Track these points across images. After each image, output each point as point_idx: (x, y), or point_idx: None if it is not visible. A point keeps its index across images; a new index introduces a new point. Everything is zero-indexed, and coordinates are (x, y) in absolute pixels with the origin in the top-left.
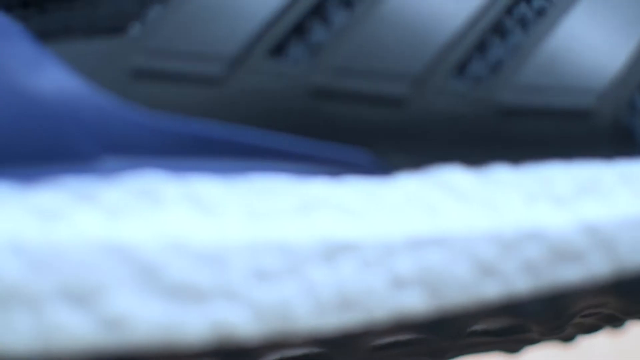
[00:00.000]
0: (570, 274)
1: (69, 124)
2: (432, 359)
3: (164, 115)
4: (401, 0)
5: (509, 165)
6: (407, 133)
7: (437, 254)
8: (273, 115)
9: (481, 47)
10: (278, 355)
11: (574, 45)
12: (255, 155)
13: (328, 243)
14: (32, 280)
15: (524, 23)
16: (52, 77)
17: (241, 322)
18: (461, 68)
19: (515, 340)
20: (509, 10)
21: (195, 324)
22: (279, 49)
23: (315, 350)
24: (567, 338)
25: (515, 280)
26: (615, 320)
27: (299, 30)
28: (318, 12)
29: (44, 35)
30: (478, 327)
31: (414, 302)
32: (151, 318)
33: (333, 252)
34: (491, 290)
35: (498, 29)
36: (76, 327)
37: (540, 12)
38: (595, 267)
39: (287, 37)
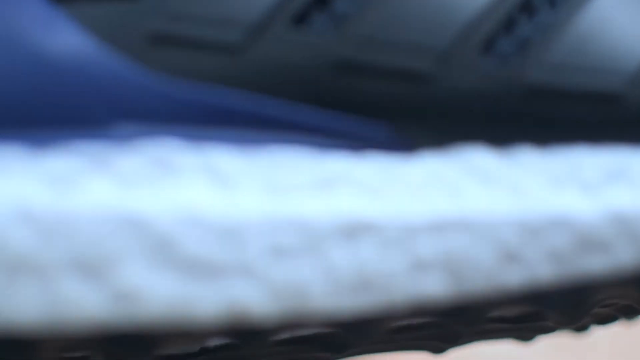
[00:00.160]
0: (595, 264)
1: (82, 87)
2: (445, 344)
3: (181, 82)
4: None
5: (535, 147)
6: (430, 109)
7: (460, 237)
8: (294, 86)
9: (509, 24)
10: (291, 334)
11: (604, 25)
12: (274, 127)
13: (348, 221)
14: (41, 249)
15: (552, 1)
16: (66, 38)
17: (256, 300)
18: (488, 45)
19: (530, 328)
20: None
21: (208, 301)
22: (302, 18)
23: (329, 331)
24: (582, 328)
25: (539, 268)
26: (631, 312)
27: (322, 0)
28: None
29: None
30: (495, 313)
31: (434, 287)
32: (163, 293)
33: (353, 231)
34: (513, 277)
35: (526, 6)
36: (86, 300)
37: None
38: (620, 257)
39: (310, 5)
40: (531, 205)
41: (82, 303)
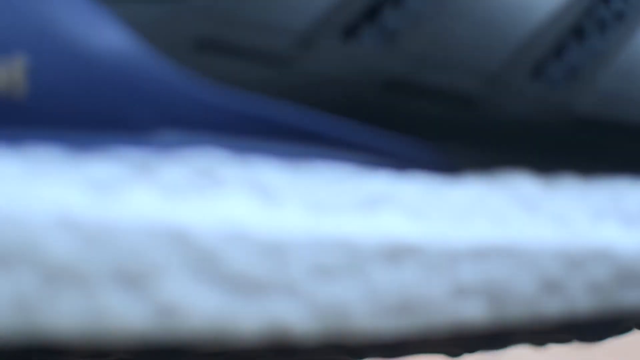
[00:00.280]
0: (633, 298)
1: (127, 89)
2: (463, 351)
3: (228, 90)
4: None
5: (578, 176)
6: (476, 132)
7: (502, 264)
8: (340, 100)
9: (559, 49)
10: (328, 357)
11: None
12: (319, 142)
13: (392, 243)
14: (82, 258)
15: (602, 26)
16: (110, 38)
17: (297, 319)
18: (537, 70)
19: (550, 340)
20: (588, 12)
21: (250, 318)
22: (351, 31)
23: (366, 353)
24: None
25: (578, 299)
26: None
27: (372, 14)
28: None
29: None
30: (530, 339)
31: (474, 312)
32: (205, 308)
33: (396, 253)
34: (553, 307)
35: (577, 31)
36: (126, 311)
37: (620, 16)
38: None
39: (361, 18)
40: (573, 236)
41: (123, 314)
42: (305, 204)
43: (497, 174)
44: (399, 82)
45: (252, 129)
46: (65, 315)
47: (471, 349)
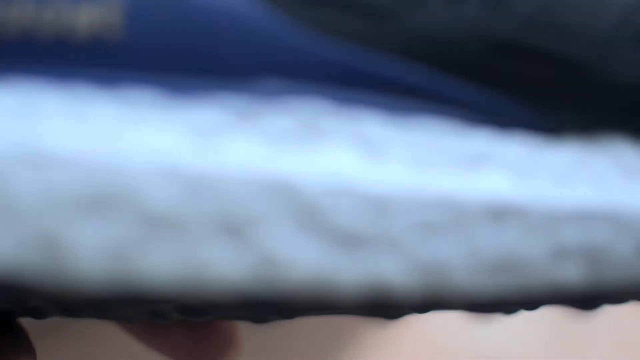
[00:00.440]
0: None
1: (230, 35)
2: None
3: (334, 41)
4: None
5: None
6: (580, 96)
7: (602, 229)
8: (446, 57)
9: None
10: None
11: None
12: (423, 98)
13: (496, 203)
14: (183, 206)
15: None
16: None
17: (399, 275)
18: None
19: None
20: None
21: (352, 273)
22: None
23: (459, 310)
24: None
25: None
26: None
27: None
28: None
29: None
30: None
31: (572, 275)
32: (308, 261)
33: (500, 213)
34: None
35: None
36: (227, 262)
37: None
38: None
39: None
40: None
41: (222, 264)
42: (410, 159)
43: (598, 138)
44: (506, 44)
45: (357, 82)
46: (162, 264)
47: (562, 307)
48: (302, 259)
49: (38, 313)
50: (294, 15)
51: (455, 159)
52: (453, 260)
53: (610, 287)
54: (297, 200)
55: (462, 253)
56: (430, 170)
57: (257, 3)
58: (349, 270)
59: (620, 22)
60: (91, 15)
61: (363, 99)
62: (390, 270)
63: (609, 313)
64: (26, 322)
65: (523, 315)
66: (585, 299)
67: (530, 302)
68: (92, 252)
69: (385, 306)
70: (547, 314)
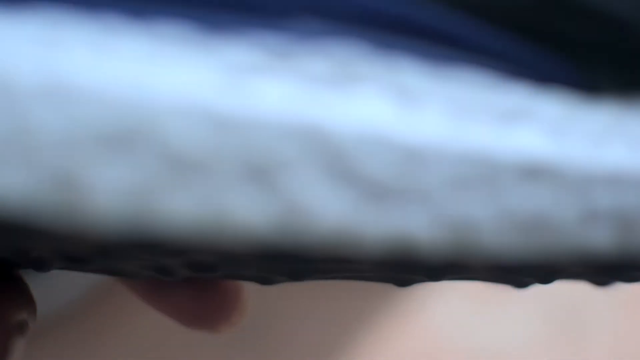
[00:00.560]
0: None
1: None
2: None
3: None
4: None
5: None
6: (622, 55)
7: (636, 193)
8: (489, 9)
9: None
10: (444, 278)
11: None
12: (462, 47)
13: (530, 161)
14: (210, 148)
15: None
16: None
17: (426, 229)
18: None
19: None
20: None
21: (378, 225)
22: None
23: (484, 276)
24: None
25: None
26: None
27: None
28: None
29: None
30: None
31: (602, 239)
32: (334, 210)
33: (533, 171)
34: None
35: None
36: (251, 207)
37: None
38: None
39: None
40: None
41: (247, 209)
42: (446, 111)
43: (637, 99)
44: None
45: (396, 28)
46: (184, 207)
47: (590, 277)
48: (328, 208)
49: (40, 264)
50: None
51: (491, 114)
52: (482, 217)
53: (638, 255)
54: (327, 147)
55: (491, 211)
56: (466, 123)
57: None
58: (375, 223)
59: None
60: None
61: (402, 47)
62: (417, 225)
63: (609, 313)
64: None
65: (523, 315)
66: (613, 268)
67: (556, 268)
68: (111, 191)
69: (409, 265)
70: (547, 313)
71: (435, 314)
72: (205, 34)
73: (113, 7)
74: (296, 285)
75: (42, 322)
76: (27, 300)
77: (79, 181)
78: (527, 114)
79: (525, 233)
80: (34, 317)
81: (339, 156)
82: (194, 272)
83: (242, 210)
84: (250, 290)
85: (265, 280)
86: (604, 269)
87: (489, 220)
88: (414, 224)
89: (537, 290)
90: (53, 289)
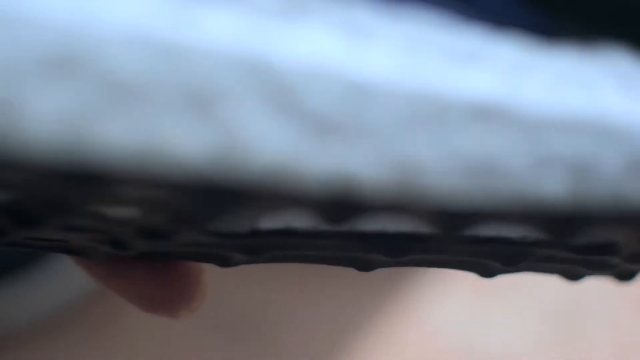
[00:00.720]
0: None
1: None
2: (506, 267)
3: None
4: None
5: None
6: (587, 4)
7: (592, 139)
8: None
9: None
10: (386, 222)
11: None
12: None
13: (480, 102)
14: (151, 76)
15: None
16: None
17: (369, 169)
18: None
19: (595, 263)
20: None
21: (321, 160)
22: None
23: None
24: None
25: None
26: None
27: None
28: None
29: None
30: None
31: (554, 187)
32: (274, 142)
33: (484, 112)
34: (636, 191)
35: None
36: (190, 136)
37: None
38: None
39: None
40: None
41: (184, 140)
42: (397, 49)
43: (598, 48)
44: None
45: None
46: (120, 134)
47: (545, 230)
48: (269, 140)
49: None
50: None
51: (444, 55)
52: (428, 158)
53: (595, 206)
54: (271, 79)
55: (439, 152)
56: (417, 62)
57: None
58: (317, 158)
59: None
60: None
61: None
62: (361, 162)
63: (609, 313)
64: (28, 321)
65: (523, 315)
66: (568, 218)
67: (508, 215)
68: (47, 115)
69: (352, 206)
70: (547, 313)
71: (434, 314)
72: None
73: None
74: (295, 285)
75: (41, 322)
76: None
77: (16, 103)
78: (482, 56)
79: (474, 177)
80: None
81: (283, 89)
82: (146, 241)
83: (180, 138)
84: (251, 290)
85: (223, 260)
86: (557, 221)
87: (435, 162)
88: (357, 162)
89: (537, 290)
90: (53, 289)
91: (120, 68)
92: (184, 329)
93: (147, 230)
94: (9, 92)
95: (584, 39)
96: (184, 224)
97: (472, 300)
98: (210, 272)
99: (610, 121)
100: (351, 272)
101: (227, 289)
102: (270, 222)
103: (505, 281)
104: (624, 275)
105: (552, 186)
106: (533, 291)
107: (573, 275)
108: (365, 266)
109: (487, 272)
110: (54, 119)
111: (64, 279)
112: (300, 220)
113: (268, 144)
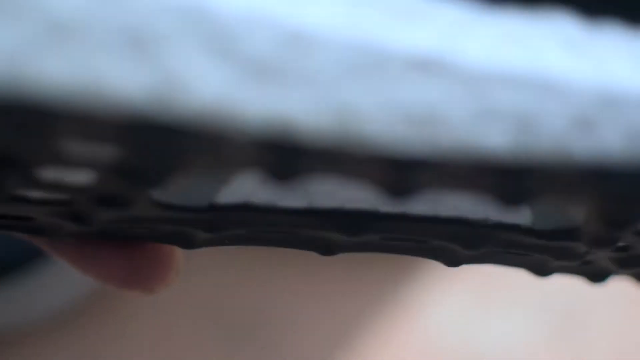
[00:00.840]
0: None
1: None
2: (465, 250)
3: None
4: None
5: (624, 24)
6: None
7: (534, 95)
8: None
9: None
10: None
11: None
12: None
13: (423, 55)
14: (90, 14)
15: None
16: None
17: (306, 115)
18: None
19: (557, 250)
20: None
21: (258, 104)
22: None
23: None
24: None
25: (611, 142)
26: None
27: None
28: None
29: None
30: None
31: (496, 139)
32: (211, 84)
33: (426, 65)
34: (581, 145)
35: None
36: (127, 75)
37: None
38: None
39: None
40: (612, 79)
41: (121, 77)
42: (340, 1)
43: (541, 9)
44: None
45: None
46: (58, 69)
47: (488, 187)
48: (205, 82)
49: None
50: None
51: (388, 10)
52: (367, 106)
53: (538, 160)
54: (208, 23)
55: (377, 100)
56: (359, 14)
57: None
58: (254, 101)
59: None
60: None
61: None
62: (299, 107)
63: (609, 313)
64: (28, 321)
65: (522, 315)
66: (509, 172)
67: (450, 167)
68: None
69: (290, 151)
70: (547, 314)
71: (434, 314)
72: None
73: None
74: (296, 285)
75: (41, 322)
76: None
77: None
78: (425, 14)
79: (414, 125)
80: None
81: (221, 33)
82: (105, 212)
83: (116, 76)
84: (250, 291)
85: (186, 240)
86: (500, 173)
87: (374, 110)
88: (295, 106)
89: (536, 290)
90: (53, 289)
91: (59, 7)
92: (184, 328)
93: (103, 197)
94: None
95: (530, 3)
96: (134, 184)
97: (472, 300)
98: (210, 272)
99: (553, 78)
100: (351, 272)
101: (227, 288)
102: (228, 195)
103: (505, 281)
104: (596, 274)
105: (494, 138)
106: (533, 291)
107: (541, 267)
108: (326, 248)
109: (451, 259)
110: None
111: (64, 279)
112: (250, 179)
113: (205, 85)
